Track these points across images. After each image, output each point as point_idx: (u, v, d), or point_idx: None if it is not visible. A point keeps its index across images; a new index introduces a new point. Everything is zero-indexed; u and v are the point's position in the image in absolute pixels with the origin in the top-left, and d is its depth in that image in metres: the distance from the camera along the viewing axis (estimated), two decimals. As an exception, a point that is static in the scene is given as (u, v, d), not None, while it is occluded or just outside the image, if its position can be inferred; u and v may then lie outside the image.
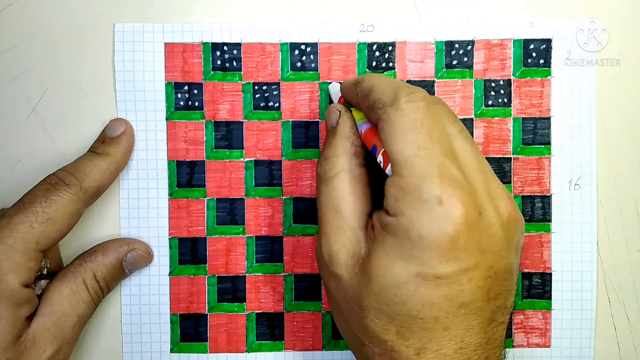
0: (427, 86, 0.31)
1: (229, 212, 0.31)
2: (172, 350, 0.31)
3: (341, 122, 0.26)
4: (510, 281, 0.23)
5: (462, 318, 0.22)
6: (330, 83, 0.30)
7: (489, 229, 0.22)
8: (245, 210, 0.31)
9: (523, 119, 0.31)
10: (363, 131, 0.25)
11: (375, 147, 0.24)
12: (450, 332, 0.22)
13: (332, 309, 0.26)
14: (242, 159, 0.31)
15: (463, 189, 0.21)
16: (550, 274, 0.31)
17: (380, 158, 0.24)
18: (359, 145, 0.26)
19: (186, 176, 0.31)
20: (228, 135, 0.31)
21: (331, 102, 0.30)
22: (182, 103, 0.31)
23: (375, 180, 0.26)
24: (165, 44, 0.30)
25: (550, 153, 0.31)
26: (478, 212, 0.22)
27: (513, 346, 0.31)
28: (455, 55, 0.31)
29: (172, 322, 0.31)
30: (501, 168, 0.31)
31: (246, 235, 0.31)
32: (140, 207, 0.31)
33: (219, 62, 0.30)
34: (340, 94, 0.29)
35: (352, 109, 0.27)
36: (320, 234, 0.25)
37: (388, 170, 0.23)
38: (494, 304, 0.23)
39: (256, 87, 0.31)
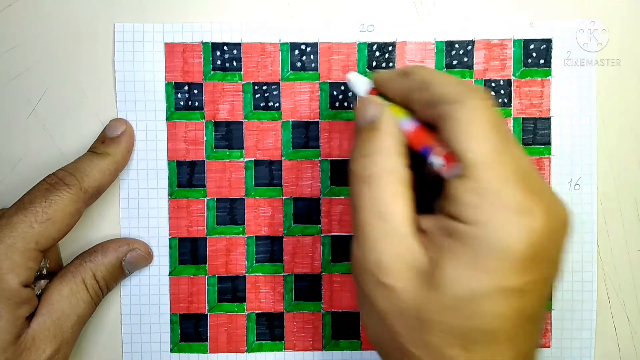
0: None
1: (229, 212, 0.31)
2: (172, 350, 0.31)
3: (384, 117, 0.23)
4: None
5: (527, 329, 0.21)
6: (349, 72, 0.27)
7: (557, 240, 0.21)
8: (245, 210, 0.31)
9: (523, 119, 0.31)
10: (408, 130, 0.23)
11: (429, 148, 0.22)
12: (514, 343, 0.21)
13: (370, 321, 0.23)
14: (242, 159, 0.31)
15: (541, 197, 0.20)
16: (551, 274, 0.31)
17: (438, 160, 0.22)
18: (404, 143, 0.23)
19: (186, 176, 0.31)
20: (228, 135, 0.31)
21: (353, 94, 0.28)
22: (182, 103, 0.31)
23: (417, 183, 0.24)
24: (165, 44, 0.30)
25: (550, 153, 0.31)
26: (553, 220, 0.21)
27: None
28: (456, 55, 0.31)
29: (172, 322, 0.31)
30: (501, 168, 0.31)
31: (246, 235, 0.31)
32: (140, 207, 0.31)
33: (219, 62, 0.30)
34: (367, 86, 0.26)
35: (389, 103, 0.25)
36: (363, 240, 0.22)
37: (452, 173, 0.21)
38: (544, 311, 0.22)
39: (256, 87, 0.31)
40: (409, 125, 0.23)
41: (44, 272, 0.28)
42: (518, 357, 0.21)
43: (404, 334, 0.21)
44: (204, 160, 0.31)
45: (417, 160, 0.23)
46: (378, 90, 0.25)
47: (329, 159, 0.31)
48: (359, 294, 0.23)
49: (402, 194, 0.22)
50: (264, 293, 0.31)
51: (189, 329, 0.31)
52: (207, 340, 0.31)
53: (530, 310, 0.21)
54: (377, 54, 0.31)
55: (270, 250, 0.31)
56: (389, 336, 0.22)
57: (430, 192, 0.24)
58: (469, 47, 0.31)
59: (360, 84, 0.26)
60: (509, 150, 0.21)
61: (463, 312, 0.20)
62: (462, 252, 0.20)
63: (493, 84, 0.31)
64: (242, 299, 0.31)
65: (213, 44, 0.30)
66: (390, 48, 0.31)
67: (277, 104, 0.31)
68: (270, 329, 0.31)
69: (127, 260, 0.29)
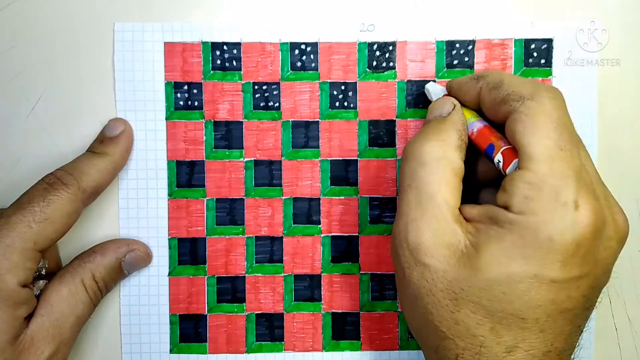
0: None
1: (229, 212, 0.31)
2: (171, 351, 0.31)
3: (455, 113, 0.25)
4: (600, 294, 0.24)
5: (560, 323, 0.22)
6: (428, 82, 0.30)
7: (607, 242, 0.22)
8: (245, 211, 0.31)
9: (523, 119, 0.31)
10: (475, 130, 0.25)
11: (493, 146, 0.24)
12: (545, 334, 0.22)
13: (405, 299, 0.25)
14: (241, 159, 0.31)
15: (595, 197, 0.21)
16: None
17: (499, 157, 0.23)
18: (466, 141, 0.25)
19: (186, 176, 0.31)
20: (228, 135, 0.31)
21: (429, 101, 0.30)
22: (181, 103, 0.30)
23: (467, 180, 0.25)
24: (164, 43, 0.30)
25: (550, 153, 0.31)
26: (603, 223, 0.22)
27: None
28: (456, 55, 0.31)
29: (171, 322, 0.31)
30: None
31: (246, 236, 0.31)
32: (140, 207, 0.31)
33: (218, 61, 0.30)
34: (442, 94, 0.28)
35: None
36: (407, 218, 0.24)
37: (510, 169, 0.23)
38: (586, 314, 0.23)
39: (256, 87, 0.31)
40: (477, 125, 0.25)
41: (43, 272, 0.28)
42: (548, 349, 0.22)
43: (435, 313, 0.23)
44: (203, 160, 0.31)
45: (476, 160, 0.26)
46: (455, 96, 0.27)
47: (329, 159, 0.31)
48: (397, 274, 0.25)
49: (452, 183, 0.24)
50: (264, 293, 0.31)
51: (189, 329, 0.31)
52: (206, 341, 0.31)
53: (566, 305, 0.21)
54: (378, 53, 0.31)
55: (270, 250, 0.31)
56: (422, 316, 0.23)
57: (475, 190, 0.27)
58: (470, 47, 0.31)
59: (434, 93, 0.29)
60: (570, 149, 0.22)
61: (496, 295, 0.21)
62: (507, 238, 0.21)
63: (493, 84, 0.31)
64: (242, 300, 0.31)
65: (213, 43, 0.30)
66: (390, 48, 0.31)
67: (277, 104, 0.31)
68: (270, 329, 0.31)
69: (126, 260, 0.29)
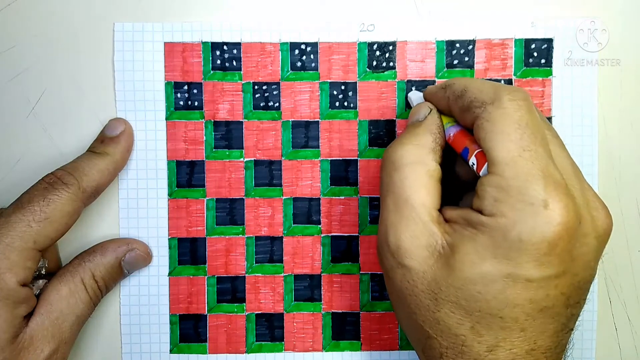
0: (428, 86, 0.31)
1: (229, 212, 0.31)
2: (171, 351, 0.31)
3: (430, 117, 0.26)
4: (588, 291, 0.24)
5: (540, 321, 0.22)
6: (410, 91, 0.30)
7: (584, 238, 0.22)
8: (245, 211, 0.31)
9: (524, 118, 0.31)
10: (452, 134, 0.25)
11: (467, 149, 0.24)
12: (525, 333, 0.22)
13: (393, 300, 0.25)
14: (241, 159, 0.31)
15: (567, 194, 0.21)
16: (551, 274, 0.31)
17: (473, 160, 0.24)
18: (441, 144, 0.25)
19: (186, 176, 0.31)
20: (228, 135, 0.31)
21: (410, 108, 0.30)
22: (181, 103, 0.30)
23: (446, 182, 0.26)
24: (164, 43, 0.30)
25: (551, 153, 0.31)
26: (578, 220, 0.22)
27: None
28: (456, 55, 0.31)
29: (171, 322, 0.31)
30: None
31: (246, 236, 0.31)
32: (140, 207, 0.31)
33: (218, 61, 0.30)
34: (422, 100, 0.28)
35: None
36: (387, 222, 0.24)
37: (483, 172, 0.23)
38: (570, 311, 0.23)
39: (256, 87, 0.31)
40: (453, 130, 0.25)
41: (43, 272, 0.28)
42: (531, 347, 0.22)
43: (418, 313, 0.23)
44: (203, 160, 0.31)
45: (452, 162, 0.26)
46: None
47: (329, 159, 0.31)
48: (385, 277, 0.25)
49: (428, 185, 0.24)
50: (264, 294, 0.31)
51: (189, 329, 0.31)
52: (206, 341, 0.31)
53: (545, 304, 0.21)
54: (378, 53, 0.31)
55: (270, 250, 0.31)
56: (408, 316, 0.24)
57: (460, 192, 0.27)
58: (470, 47, 0.31)
59: (415, 100, 0.29)
60: (534, 149, 0.22)
61: (472, 294, 0.22)
62: (482, 242, 0.22)
63: (493, 84, 0.31)
64: (242, 300, 0.31)
65: (213, 43, 0.30)
66: (390, 47, 0.31)
67: (277, 104, 0.31)
68: (270, 329, 0.31)
69: (126, 260, 0.29)
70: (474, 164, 0.24)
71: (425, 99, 0.28)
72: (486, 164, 0.23)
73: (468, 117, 0.24)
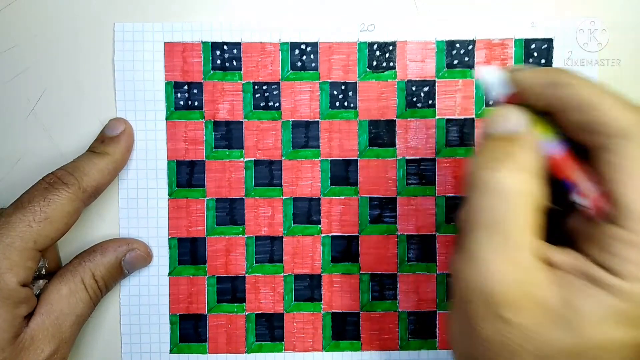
0: (428, 86, 0.31)
1: (229, 212, 0.31)
2: (171, 351, 0.31)
3: (528, 133, 0.21)
4: None
5: None
6: (482, 68, 0.22)
7: None
8: (245, 211, 0.31)
9: (524, 118, 0.31)
10: (553, 155, 0.20)
11: (576, 187, 0.20)
12: None
13: (465, 348, 0.21)
14: (242, 159, 0.31)
15: None
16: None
17: (585, 201, 0.20)
18: (544, 167, 0.21)
19: (186, 176, 0.31)
20: (228, 135, 0.31)
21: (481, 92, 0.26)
22: (181, 103, 0.30)
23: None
24: (165, 43, 0.30)
25: (551, 153, 0.31)
26: None
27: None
28: (456, 55, 0.31)
29: (171, 322, 0.31)
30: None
31: (246, 236, 0.31)
32: (140, 207, 0.31)
33: (218, 61, 0.30)
34: (506, 90, 0.22)
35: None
36: (480, 262, 0.20)
37: (599, 217, 0.19)
38: None
39: (256, 87, 0.31)
40: (555, 149, 0.21)
41: (43, 271, 0.28)
42: None
43: None
44: (203, 160, 0.31)
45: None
46: (519, 97, 0.22)
47: (329, 159, 0.31)
48: (459, 316, 0.21)
49: (534, 221, 0.20)
50: (264, 293, 0.31)
51: (189, 329, 0.31)
52: (206, 341, 0.31)
53: None
54: (378, 53, 0.31)
55: (270, 250, 0.31)
56: None
57: (559, 218, 0.22)
58: (470, 47, 0.31)
59: (498, 85, 0.22)
60: None
61: (592, 359, 0.19)
62: (610, 303, 0.19)
63: (493, 84, 0.31)
64: (242, 300, 0.31)
65: (213, 43, 0.30)
66: (390, 47, 0.31)
67: (277, 104, 0.31)
68: (270, 329, 0.31)
69: (126, 260, 0.29)
70: (585, 204, 0.20)
71: (519, 89, 0.21)
72: (609, 210, 0.19)
73: (588, 139, 0.20)
